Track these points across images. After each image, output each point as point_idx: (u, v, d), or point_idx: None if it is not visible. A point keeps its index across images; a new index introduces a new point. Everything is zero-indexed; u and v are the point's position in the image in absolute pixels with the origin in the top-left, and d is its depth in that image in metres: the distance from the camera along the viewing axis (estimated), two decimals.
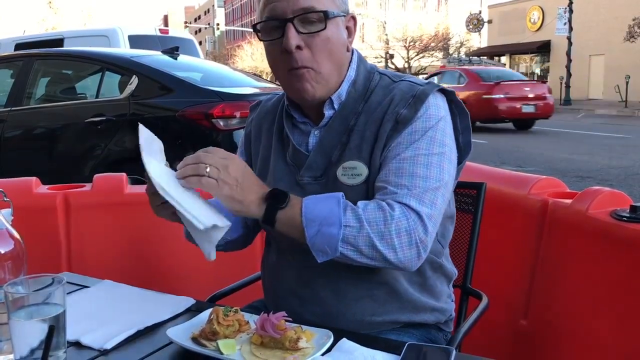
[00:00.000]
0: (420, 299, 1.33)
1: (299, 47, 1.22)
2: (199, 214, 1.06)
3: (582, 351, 1.62)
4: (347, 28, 1.31)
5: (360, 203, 1.16)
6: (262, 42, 1.29)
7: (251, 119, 1.50)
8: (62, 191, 2.16)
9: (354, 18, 1.33)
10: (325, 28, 1.23)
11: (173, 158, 1.13)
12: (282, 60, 1.25)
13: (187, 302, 1.29)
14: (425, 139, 1.21)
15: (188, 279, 2.14)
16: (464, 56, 32.85)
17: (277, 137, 1.39)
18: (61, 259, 2.12)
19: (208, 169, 1.09)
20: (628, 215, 1.52)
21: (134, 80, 4.44)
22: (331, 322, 1.21)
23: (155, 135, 1.19)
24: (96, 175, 2.24)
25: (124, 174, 2.27)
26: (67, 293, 1.32)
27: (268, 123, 1.44)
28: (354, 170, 1.25)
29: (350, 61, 1.33)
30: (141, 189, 2.40)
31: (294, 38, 1.21)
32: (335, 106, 1.30)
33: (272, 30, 1.25)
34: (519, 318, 1.80)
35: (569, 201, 1.71)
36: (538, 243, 1.76)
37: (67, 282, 1.36)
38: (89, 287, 1.42)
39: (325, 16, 1.23)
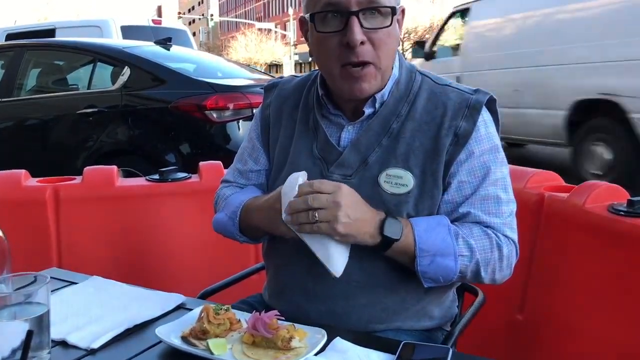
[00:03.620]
0: (425, 308, 1.29)
1: (362, 42, 1.15)
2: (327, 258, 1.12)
3: (578, 345, 1.61)
4: (398, 21, 1.24)
5: (464, 227, 1.19)
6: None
7: (269, 101, 1.40)
8: (51, 184, 2.12)
9: (403, 11, 1.27)
10: (391, 24, 1.18)
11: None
12: (338, 54, 1.17)
13: (178, 299, 1.26)
14: (497, 162, 1.24)
15: (179, 273, 2.11)
16: None
17: (302, 127, 1.32)
18: (51, 253, 2.09)
19: (317, 215, 1.07)
20: (625, 209, 1.51)
21: (126, 72, 4.40)
22: (333, 322, 1.17)
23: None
24: (86, 168, 2.20)
25: (115, 167, 2.24)
26: (54, 290, 1.30)
27: (290, 108, 1.36)
28: (399, 180, 1.21)
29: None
30: (132, 182, 2.37)
31: (359, 33, 1.14)
32: (377, 105, 1.25)
33: (331, 21, 1.17)
34: (514, 313, 1.78)
35: (565, 195, 1.69)
36: (534, 237, 1.74)
37: (55, 278, 1.33)
38: (76, 283, 1.39)
39: (393, 12, 1.17)
